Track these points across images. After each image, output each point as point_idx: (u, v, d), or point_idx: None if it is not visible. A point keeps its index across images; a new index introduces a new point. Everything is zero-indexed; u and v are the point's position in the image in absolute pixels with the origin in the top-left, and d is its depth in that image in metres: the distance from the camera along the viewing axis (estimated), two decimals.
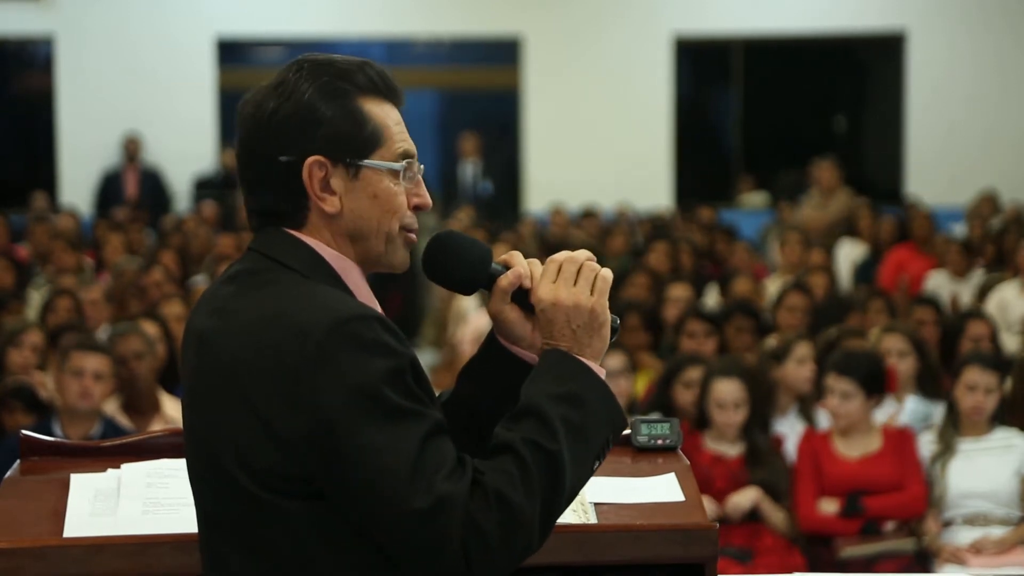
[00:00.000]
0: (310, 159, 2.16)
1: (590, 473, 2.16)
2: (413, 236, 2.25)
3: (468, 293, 2.34)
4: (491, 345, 2.32)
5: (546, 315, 2.20)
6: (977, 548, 5.77)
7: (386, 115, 2.21)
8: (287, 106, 2.16)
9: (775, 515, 5.92)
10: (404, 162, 2.22)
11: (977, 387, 5.95)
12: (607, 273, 2.23)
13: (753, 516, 5.93)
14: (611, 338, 2.28)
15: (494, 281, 2.27)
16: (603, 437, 2.16)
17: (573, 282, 2.21)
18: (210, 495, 2.16)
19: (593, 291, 2.20)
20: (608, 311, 2.22)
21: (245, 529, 2.10)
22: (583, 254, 2.23)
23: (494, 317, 2.29)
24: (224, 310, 2.17)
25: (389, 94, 2.23)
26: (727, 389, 5.98)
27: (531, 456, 2.07)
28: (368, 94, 2.20)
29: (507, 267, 2.28)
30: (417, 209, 2.25)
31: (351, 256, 2.21)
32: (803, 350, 6.62)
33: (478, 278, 2.28)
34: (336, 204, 2.18)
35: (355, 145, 2.18)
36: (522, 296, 2.27)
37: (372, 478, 2.02)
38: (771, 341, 7.33)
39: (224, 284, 2.22)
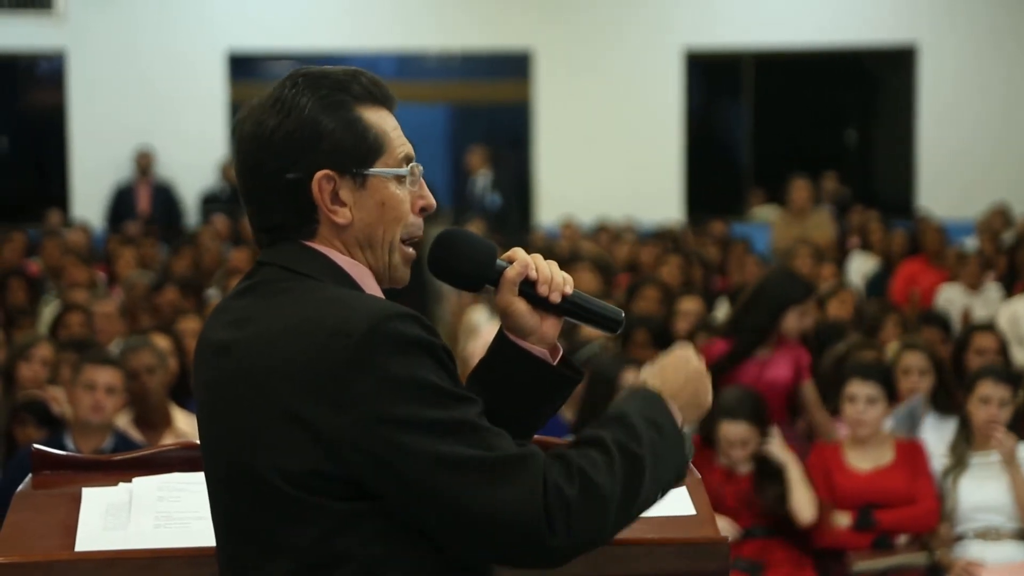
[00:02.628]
0: (319, 174, 2.17)
1: (654, 500, 2.16)
2: (412, 252, 2.27)
3: (475, 290, 2.35)
4: (501, 342, 2.33)
5: (677, 364, 2.24)
6: None
7: (384, 121, 2.23)
8: (288, 123, 2.17)
9: (800, 490, 5.87)
10: (408, 166, 2.24)
11: (991, 400, 5.94)
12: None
13: (766, 531, 5.91)
14: (615, 331, 2.35)
15: (500, 276, 2.29)
16: (670, 474, 2.17)
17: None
18: (234, 504, 2.15)
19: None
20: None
21: (275, 534, 2.10)
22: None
23: (503, 310, 2.30)
24: (243, 320, 2.16)
25: (384, 100, 2.24)
26: (734, 431, 5.95)
27: (617, 452, 2.09)
28: (364, 102, 2.21)
29: (511, 262, 2.30)
30: (423, 212, 2.27)
31: (366, 265, 2.22)
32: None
33: (485, 274, 2.29)
34: (347, 215, 2.19)
35: (359, 155, 2.19)
36: (529, 288, 2.29)
37: (442, 459, 2.02)
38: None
39: (238, 297, 2.22)
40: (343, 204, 2.19)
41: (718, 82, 17.02)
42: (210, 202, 15.33)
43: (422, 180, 2.27)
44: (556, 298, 2.30)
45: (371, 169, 2.20)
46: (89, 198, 15.50)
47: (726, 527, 5.67)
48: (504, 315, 2.31)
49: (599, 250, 11.16)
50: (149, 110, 15.53)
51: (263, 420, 2.09)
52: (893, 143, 16.75)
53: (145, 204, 15.30)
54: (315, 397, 2.05)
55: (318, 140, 2.17)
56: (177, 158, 15.51)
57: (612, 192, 15.52)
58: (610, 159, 15.88)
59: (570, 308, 2.32)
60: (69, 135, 15.72)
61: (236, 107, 15.56)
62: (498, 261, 2.30)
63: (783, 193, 13.63)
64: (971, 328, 7.69)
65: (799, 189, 12.99)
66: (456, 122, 17.40)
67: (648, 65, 16.02)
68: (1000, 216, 13.44)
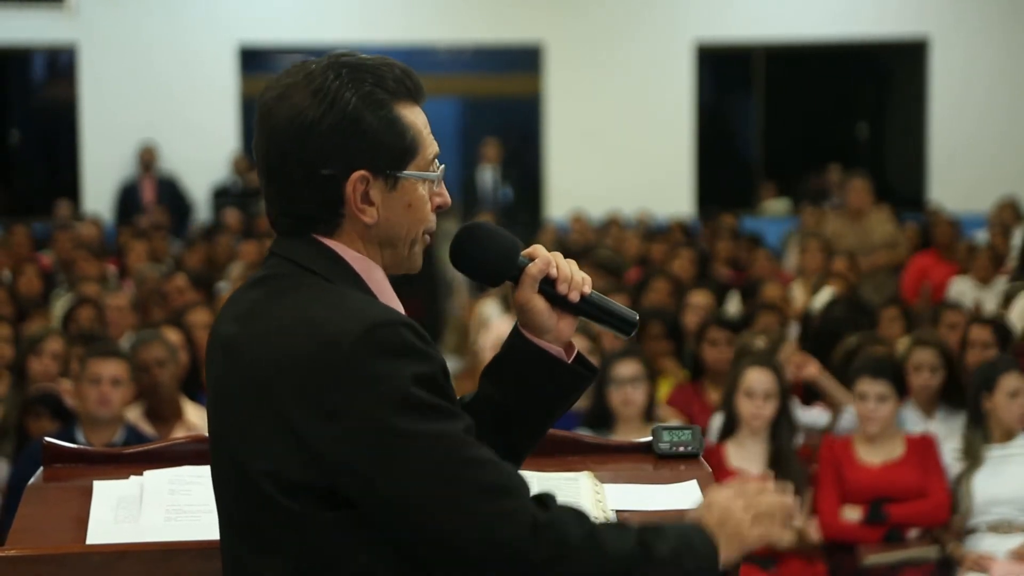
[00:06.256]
0: (355, 174, 2.14)
1: None
2: (428, 238, 2.26)
3: (495, 284, 2.35)
4: (516, 339, 2.33)
5: (712, 508, 2.19)
6: (1021, 555, 5.73)
7: (417, 119, 2.20)
8: (330, 117, 2.12)
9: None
10: (439, 169, 2.23)
11: (1020, 392, 5.90)
12: (776, 508, 2.20)
13: None
14: (629, 334, 2.35)
15: (521, 272, 2.29)
16: None
17: (743, 500, 2.20)
18: (233, 500, 2.16)
19: (754, 522, 2.18)
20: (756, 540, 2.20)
21: (267, 534, 2.10)
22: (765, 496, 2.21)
23: (523, 306, 2.30)
24: (247, 316, 2.16)
25: (416, 94, 2.22)
26: (758, 378, 5.95)
27: (636, 539, 2.07)
28: (401, 98, 2.18)
29: (532, 259, 2.30)
30: (438, 209, 2.26)
31: (377, 260, 2.21)
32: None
33: (507, 269, 2.29)
34: (374, 215, 2.17)
35: (395, 157, 2.17)
36: (548, 286, 2.30)
37: (423, 474, 2.00)
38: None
39: (247, 289, 2.21)
40: (371, 204, 2.17)
41: (729, 75, 17.00)
42: (221, 196, 15.35)
43: (441, 178, 2.26)
44: (575, 297, 2.31)
45: (404, 172, 2.18)
46: (100, 191, 15.52)
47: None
48: (522, 311, 2.31)
49: (610, 251, 11.17)
50: (160, 104, 15.55)
51: (257, 422, 2.08)
52: (904, 136, 16.72)
53: (150, 199, 15.31)
54: (304, 404, 2.04)
55: (359, 138, 2.14)
56: (189, 152, 15.52)
57: (622, 186, 15.51)
58: (620, 153, 15.87)
59: (587, 308, 2.33)
60: (80, 129, 15.74)
61: (247, 101, 15.59)
62: (520, 257, 2.30)
63: (794, 187, 13.58)
64: (968, 321, 7.64)
65: (857, 191, 11.83)
66: (466, 116, 17.41)
67: (659, 58, 16.01)
68: (1010, 209, 13.41)
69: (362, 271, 2.19)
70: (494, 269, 2.30)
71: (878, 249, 11.33)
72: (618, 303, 2.37)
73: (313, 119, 2.13)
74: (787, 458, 5.97)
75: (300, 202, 2.17)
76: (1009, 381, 5.92)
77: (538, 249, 2.31)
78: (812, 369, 6.85)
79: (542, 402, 2.33)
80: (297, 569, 2.09)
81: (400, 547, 2.07)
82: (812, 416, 6.79)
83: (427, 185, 2.21)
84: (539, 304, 2.29)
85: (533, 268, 2.28)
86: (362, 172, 2.14)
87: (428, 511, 2.01)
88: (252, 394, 2.10)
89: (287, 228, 2.20)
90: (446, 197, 2.26)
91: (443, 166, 2.25)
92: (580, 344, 6.29)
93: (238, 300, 2.22)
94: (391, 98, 2.17)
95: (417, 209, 2.20)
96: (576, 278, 2.31)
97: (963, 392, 6.60)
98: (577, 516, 2.06)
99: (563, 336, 2.32)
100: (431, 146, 2.22)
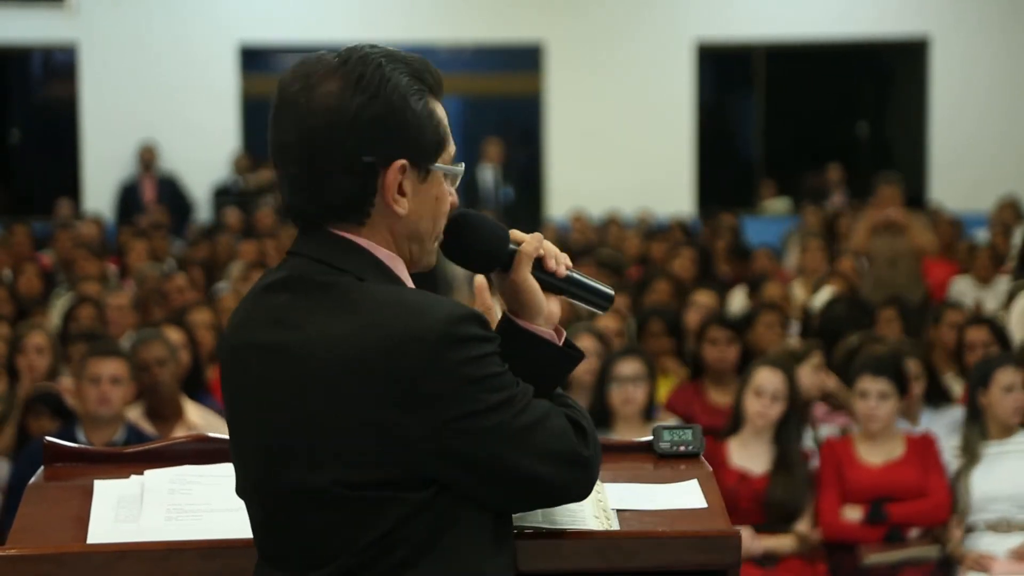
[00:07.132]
0: (397, 163, 2.16)
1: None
2: (442, 237, 2.28)
3: (487, 272, 2.36)
4: (508, 327, 2.32)
5: (527, 307, 2.35)
6: (1021, 554, 5.73)
7: (444, 116, 2.24)
8: (375, 105, 2.13)
9: (784, 543, 5.90)
10: (461, 165, 2.25)
11: (1014, 387, 5.91)
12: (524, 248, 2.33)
13: (775, 525, 5.91)
14: (606, 309, 2.43)
15: (511, 258, 2.30)
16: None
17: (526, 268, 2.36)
18: (291, 511, 2.15)
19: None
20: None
21: (340, 535, 2.11)
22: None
23: (520, 286, 2.30)
24: (289, 320, 2.14)
25: (441, 91, 2.24)
26: (769, 378, 5.95)
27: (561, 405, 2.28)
28: (434, 94, 2.21)
29: (519, 243, 2.32)
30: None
31: (404, 255, 2.22)
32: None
33: (499, 255, 2.30)
34: (406, 206, 2.18)
35: (431, 149, 2.19)
36: (539, 266, 2.32)
37: (510, 434, 2.12)
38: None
39: (274, 293, 2.19)
40: (403, 195, 2.18)
41: (729, 74, 17.01)
42: (222, 195, 15.36)
43: None
44: (563, 272, 2.33)
45: (436, 164, 2.21)
46: (101, 190, 15.53)
47: (749, 540, 5.72)
48: (519, 293, 2.30)
49: (611, 250, 11.16)
50: (161, 103, 15.56)
51: (334, 428, 2.09)
52: (905, 135, 16.73)
53: (151, 198, 15.32)
54: (391, 403, 2.06)
55: (402, 128, 2.15)
56: (189, 151, 15.53)
57: (623, 185, 15.52)
58: (621, 152, 15.88)
59: (570, 285, 2.36)
60: (81, 128, 15.75)
61: (248, 100, 15.61)
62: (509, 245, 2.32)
63: (794, 185, 13.57)
64: (964, 323, 7.62)
65: (887, 194, 10.90)
66: (467, 115, 17.41)
67: (659, 57, 16.01)
68: (1010, 209, 13.41)
69: (392, 265, 2.20)
70: (488, 256, 2.31)
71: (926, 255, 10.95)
72: (595, 279, 2.41)
73: (359, 106, 2.13)
74: (791, 461, 5.96)
75: (334, 191, 2.16)
76: (1004, 376, 5.92)
77: (519, 233, 2.33)
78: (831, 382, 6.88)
79: (535, 387, 2.33)
80: (368, 557, 2.10)
81: (489, 508, 2.16)
82: (831, 431, 6.80)
83: (448, 182, 2.24)
84: (535, 283, 2.31)
85: (528, 247, 2.30)
86: (402, 161, 2.16)
87: (518, 465, 2.14)
88: (326, 400, 2.09)
89: (313, 219, 2.19)
90: (455, 198, 2.28)
91: (463, 164, 2.28)
92: (588, 344, 6.33)
93: (264, 304, 2.20)
94: (427, 91, 2.19)
95: (442, 203, 2.23)
96: (560, 254, 2.34)
97: (944, 392, 6.64)
98: (555, 408, 2.22)
99: (553, 318, 2.33)
100: (453, 144, 2.25)
